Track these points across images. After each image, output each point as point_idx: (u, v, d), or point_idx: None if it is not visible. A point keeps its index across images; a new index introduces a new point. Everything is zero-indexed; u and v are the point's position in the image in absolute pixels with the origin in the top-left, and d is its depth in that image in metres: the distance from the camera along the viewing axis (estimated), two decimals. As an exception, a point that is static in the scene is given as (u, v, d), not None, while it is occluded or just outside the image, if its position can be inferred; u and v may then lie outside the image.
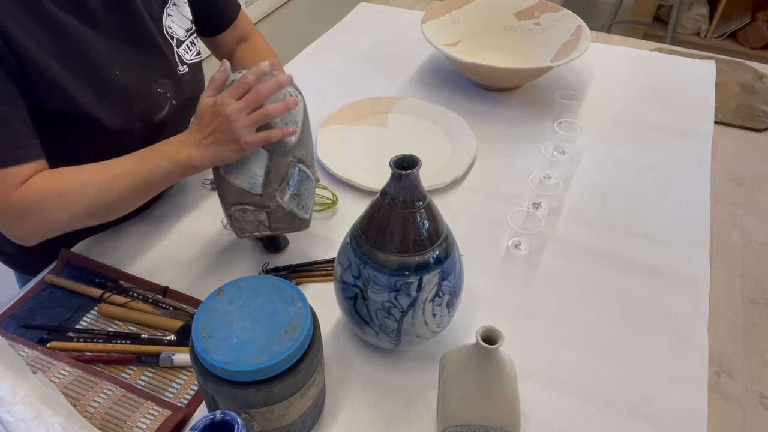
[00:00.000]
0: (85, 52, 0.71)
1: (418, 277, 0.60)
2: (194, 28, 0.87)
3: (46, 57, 0.68)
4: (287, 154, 0.72)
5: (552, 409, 0.66)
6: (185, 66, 0.84)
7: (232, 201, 0.73)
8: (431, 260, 0.60)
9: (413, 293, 0.61)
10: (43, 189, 0.67)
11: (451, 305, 0.65)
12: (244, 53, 0.97)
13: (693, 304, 0.77)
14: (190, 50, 0.86)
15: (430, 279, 0.61)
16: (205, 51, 0.98)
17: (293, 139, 0.72)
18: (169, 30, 0.82)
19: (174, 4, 0.83)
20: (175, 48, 0.83)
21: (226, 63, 0.71)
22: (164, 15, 0.81)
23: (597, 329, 0.74)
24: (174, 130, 0.84)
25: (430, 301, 0.62)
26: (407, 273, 0.60)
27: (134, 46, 0.77)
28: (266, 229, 0.74)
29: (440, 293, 0.62)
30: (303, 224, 0.76)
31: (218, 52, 0.99)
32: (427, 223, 0.60)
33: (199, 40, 0.89)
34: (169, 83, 0.82)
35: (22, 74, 0.67)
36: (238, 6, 0.97)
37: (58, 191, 0.68)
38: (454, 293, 0.65)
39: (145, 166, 0.70)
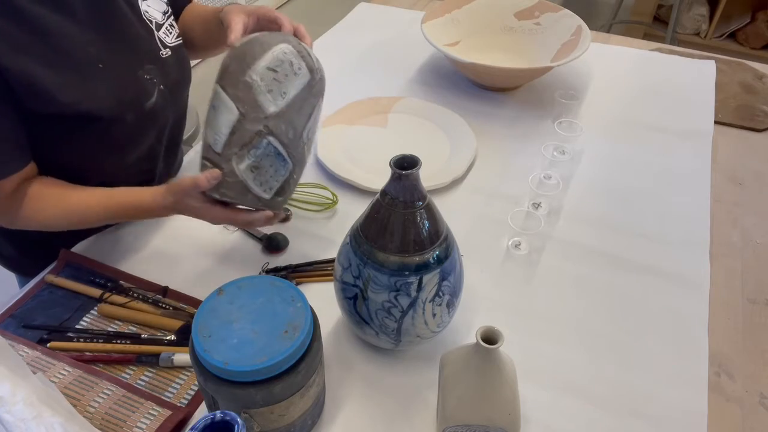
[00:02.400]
0: (67, 48, 0.70)
1: (418, 277, 0.60)
2: (170, 10, 0.86)
3: (25, 60, 0.66)
4: (258, 122, 0.67)
5: (552, 409, 0.66)
6: (168, 49, 0.83)
7: (202, 153, 0.70)
8: (431, 260, 0.60)
9: (413, 293, 0.61)
10: (27, 217, 0.74)
11: (451, 305, 0.65)
12: (188, 23, 0.93)
13: (693, 304, 0.77)
14: (170, 33, 0.84)
15: (430, 279, 0.61)
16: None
17: (271, 108, 0.67)
18: (147, 14, 0.81)
19: None
20: (156, 32, 0.82)
21: (215, 172, 0.67)
22: (140, 0, 0.80)
23: (597, 329, 0.74)
24: (165, 116, 0.84)
25: (430, 301, 0.62)
26: (407, 273, 0.60)
27: (115, 34, 0.76)
28: (215, 191, 0.68)
29: (440, 293, 0.62)
30: (260, 203, 0.71)
31: (186, 47, 0.91)
32: (427, 223, 0.60)
33: (176, 22, 0.88)
34: (154, 68, 0.80)
35: (4, 82, 0.66)
36: None
37: (36, 218, 0.74)
38: (454, 293, 0.65)
39: (120, 217, 0.76)
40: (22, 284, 0.98)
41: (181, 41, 0.86)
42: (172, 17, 0.86)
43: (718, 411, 0.67)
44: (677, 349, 0.72)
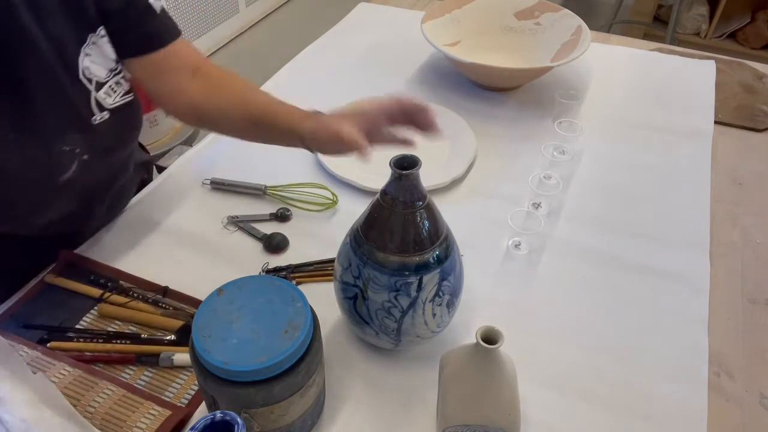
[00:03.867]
0: None
1: (418, 277, 0.60)
2: (120, 67, 0.74)
3: None
4: None
5: (552, 409, 0.66)
6: (105, 112, 0.73)
7: None
8: (431, 260, 0.60)
9: (413, 293, 0.61)
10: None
11: (451, 305, 0.65)
12: (205, 86, 0.78)
13: (693, 304, 0.77)
14: (114, 92, 0.73)
15: (430, 279, 0.61)
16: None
17: None
18: (87, 72, 0.69)
19: (94, 43, 0.70)
20: (94, 93, 0.71)
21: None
22: (81, 56, 0.68)
23: (597, 329, 0.74)
24: (83, 185, 0.76)
25: (430, 301, 0.62)
26: (407, 273, 0.60)
27: (35, 101, 0.65)
28: None
29: (440, 293, 0.62)
30: None
31: (158, 94, 0.79)
32: (427, 223, 0.60)
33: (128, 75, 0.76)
34: (79, 137, 0.71)
35: None
36: (175, 30, 0.78)
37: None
38: (454, 293, 0.65)
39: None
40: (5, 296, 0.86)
41: (129, 99, 0.76)
42: (122, 74, 0.75)
43: (718, 411, 0.67)
44: (677, 349, 0.72)
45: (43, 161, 0.68)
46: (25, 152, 0.66)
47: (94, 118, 0.71)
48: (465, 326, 0.74)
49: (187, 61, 0.79)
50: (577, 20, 1.17)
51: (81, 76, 0.69)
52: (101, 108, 0.72)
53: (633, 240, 0.86)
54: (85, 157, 0.72)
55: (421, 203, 0.60)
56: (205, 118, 0.80)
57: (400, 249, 0.60)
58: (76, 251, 0.83)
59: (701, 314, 0.76)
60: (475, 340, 0.54)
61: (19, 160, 0.65)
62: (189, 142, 1.97)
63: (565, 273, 0.81)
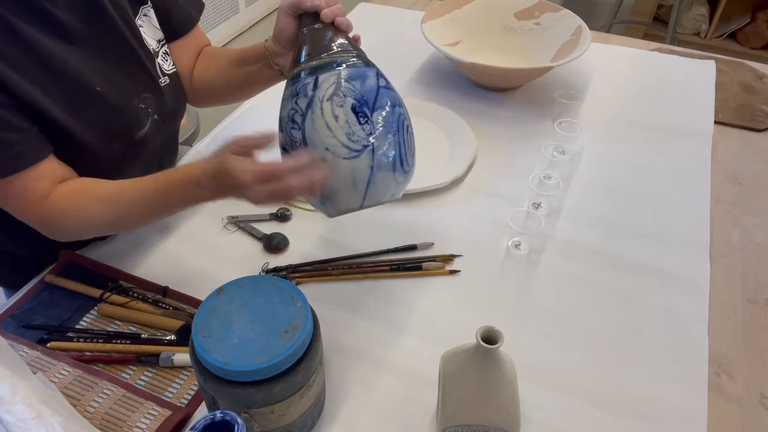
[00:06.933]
0: (60, 69, 0.68)
1: (314, 78, 0.62)
2: (164, 38, 0.83)
3: (17, 76, 0.64)
4: None
5: (552, 409, 0.66)
6: (166, 77, 0.81)
7: None
8: (331, 64, 0.63)
9: (309, 92, 0.62)
10: (63, 210, 0.70)
11: (360, 113, 0.61)
12: (206, 66, 0.90)
13: (693, 304, 0.77)
14: (166, 60, 0.82)
15: (327, 78, 0.62)
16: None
17: None
18: (145, 41, 0.79)
19: (145, 15, 0.79)
20: (155, 58, 0.80)
21: (270, 136, 0.63)
22: (137, 26, 0.78)
23: (597, 329, 0.74)
24: (156, 145, 0.82)
25: (327, 100, 0.61)
26: (304, 76, 0.63)
27: (113, 59, 0.74)
28: None
29: (339, 93, 0.61)
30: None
31: (203, 93, 0.91)
32: (327, 34, 0.66)
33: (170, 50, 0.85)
34: (151, 97, 0.79)
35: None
36: (198, 15, 0.91)
37: (79, 217, 0.71)
38: (364, 102, 0.62)
39: (163, 204, 0.70)
40: (8, 296, 0.93)
41: (175, 69, 0.84)
42: (166, 45, 0.84)
43: (718, 411, 0.67)
44: (677, 349, 0.72)
45: (124, 114, 0.75)
46: (110, 103, 0.73)
47: (160, 80, 0.80)
48: (465, 326, 0.74)
49: (198, 44, 0.90)
50: (577, 20, 1.17)
51: (144, 43, 0.78)
52: (162, 72, 0.81)
53: (633, 240, 0.86)
54: (156, 117, 0.80)
55: (319, 25, 0.66)
56: (206, 90, 0.90)
57: (298, 62, 0.64)
58: (76, 251, 0.83)
59: (701, 314, 0.76)
60: (475, 340, 0.54)
61: (106, 111, 0.73)
62: (189, 142, 1.97)
63: (565, 273, 0.81)
